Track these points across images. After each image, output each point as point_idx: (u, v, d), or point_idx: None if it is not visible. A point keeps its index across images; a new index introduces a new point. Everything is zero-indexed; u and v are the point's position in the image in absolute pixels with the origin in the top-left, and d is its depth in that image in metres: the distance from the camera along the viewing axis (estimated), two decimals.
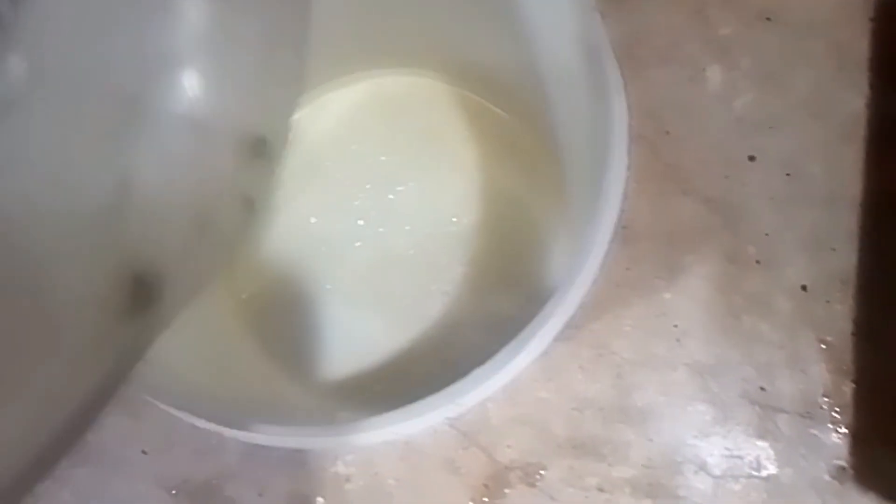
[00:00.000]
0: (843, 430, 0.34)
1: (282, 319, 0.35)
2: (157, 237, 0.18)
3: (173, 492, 0.34)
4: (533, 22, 0.28)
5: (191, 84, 0.18)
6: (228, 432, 0.24)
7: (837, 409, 0.34)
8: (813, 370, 0.34)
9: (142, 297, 0.18)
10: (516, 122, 0.35)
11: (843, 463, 0.34)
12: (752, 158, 0.36)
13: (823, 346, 0.34)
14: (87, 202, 0.17)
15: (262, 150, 0.20)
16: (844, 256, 0.35)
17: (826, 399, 0.34)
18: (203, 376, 0.28)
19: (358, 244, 0.35)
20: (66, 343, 0.18)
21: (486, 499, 0.33)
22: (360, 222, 0.35)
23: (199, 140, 0.19)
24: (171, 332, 0.29)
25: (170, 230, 0.19)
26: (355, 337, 0.35)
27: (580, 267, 0.24)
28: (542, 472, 0.34)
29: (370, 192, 0.35)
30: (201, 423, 0.24)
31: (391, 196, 0.35)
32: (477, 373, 0.24)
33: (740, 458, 0.34)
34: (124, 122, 0.17)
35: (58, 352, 0.18)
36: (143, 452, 0.34)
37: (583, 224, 0.28)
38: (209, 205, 0.20)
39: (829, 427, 0.34)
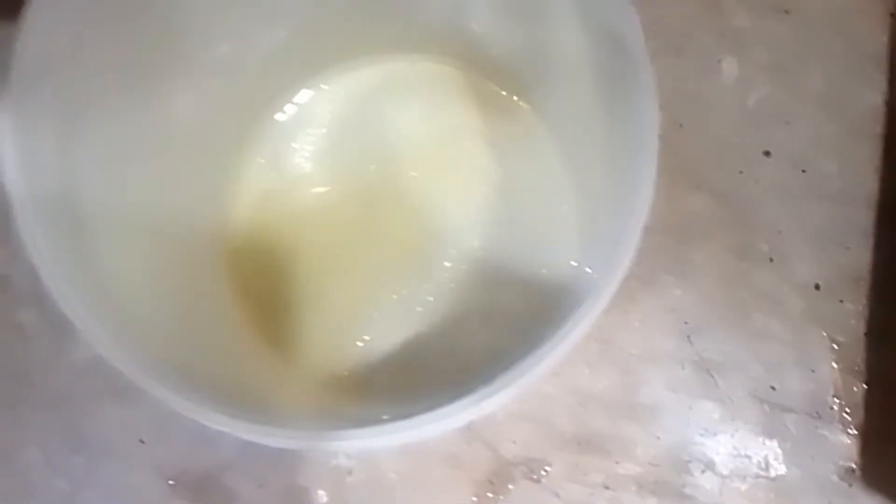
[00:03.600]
0: (853, 430, 0.33)
1: (282, 307, 0.34)
2: None
3: (171, 482, 0.33)
4: (558, 10, 0.27)
5: None
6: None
7: (847, 410, 0.33)
8: (823, 370, 0.34)
9: None
10: (533, 113, 0.34)
11: (851, 464, 0.33)
12: (766, 154, 0.35)
13: (835, 346, 0.34)
14: None
15: None
16: (858, 255, 0.34)
17: (836, 399, 0.34)
18: (202, 368, 0.27)
19: (362, 230, 0.34)
20: None
21: (489, 494, 0.33)
22: (366, 208, 0.34)
23: None
24: (170, 321, 0.28)
25: None
26: (357, 326, 0.34)
27: (614, 269, 0.23)
28: (546, 468, 0.33)
29: (376, 175, 0.34)
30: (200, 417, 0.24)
31: (398, 182, 0.34)
32: (503, 378, 0.23)
33: (748, 457, 0.33)
34: None
35: None
36: (141, 441, 0.34)
37: (605, 221, 0.27)
38: None
39: (838, 427, 0.33)
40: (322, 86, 0.36)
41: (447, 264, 0.35)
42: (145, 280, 0.28)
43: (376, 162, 0.35)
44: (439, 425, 0.24)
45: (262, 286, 0.34)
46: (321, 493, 0.33)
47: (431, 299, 0.34)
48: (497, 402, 0.24)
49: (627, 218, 0.25)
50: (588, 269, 0.32)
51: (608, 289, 0.25)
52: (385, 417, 0.25)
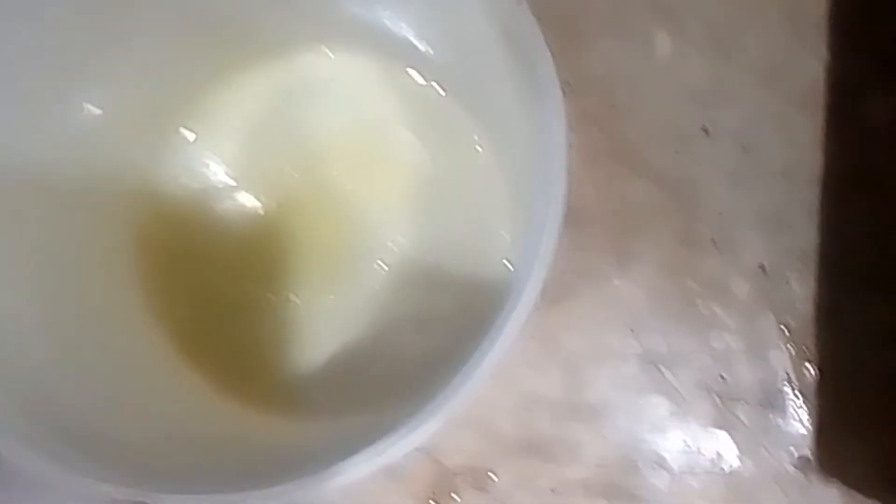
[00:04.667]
0: (807, 417, 0.32)
1: (206, 325, 0.32)
2: None
3: None
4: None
5: None
6: None
7: (800, 396, 0.32)
8: (773, 356, 0.32)
9: None
10: (456, 103, 0.32)
11: (806, 453, 0.32)
12: (705, 132, 0.33)
13: (784, 330, 0.33)
14: None
15: None
16: (803, 234, 0.33)
17: (788, 386, 0.32)
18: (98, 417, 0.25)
19: (287, 237, 0.33)
20: None
21: None
22: (289, 213, 0.32)
23: None
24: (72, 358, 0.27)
25: None
26: (289, 338, 0.32)
27: (537, 265, 0.22)
28: (491, 475, 0.32)
29: (297, 177, 0.33)
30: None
31: (321, 183, 0.33)
32: (441, 396, 0.22)
33: (699, 452, 0.32)
34: None
35: None
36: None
37: (531, 216, 0.26)
38: None
39: (791, 415, 0.32)
40: (242, 83, 0.34)
41: (378, 266, 0.33)
42: (36, 311, 0.26)
43: (296, 162, 0.33)
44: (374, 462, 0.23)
45: (180, 298, 0.32)
46: None
47: (363, 305, 0.33)
48: (436, 425, 0.23)
49: (546, 211, 0.24)
50: (516, 268, 0.31)
51: (532, 287, 0.23)
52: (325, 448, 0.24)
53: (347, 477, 0.23)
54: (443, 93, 0.33)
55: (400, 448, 0.22)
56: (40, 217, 0.28)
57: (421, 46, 0.31)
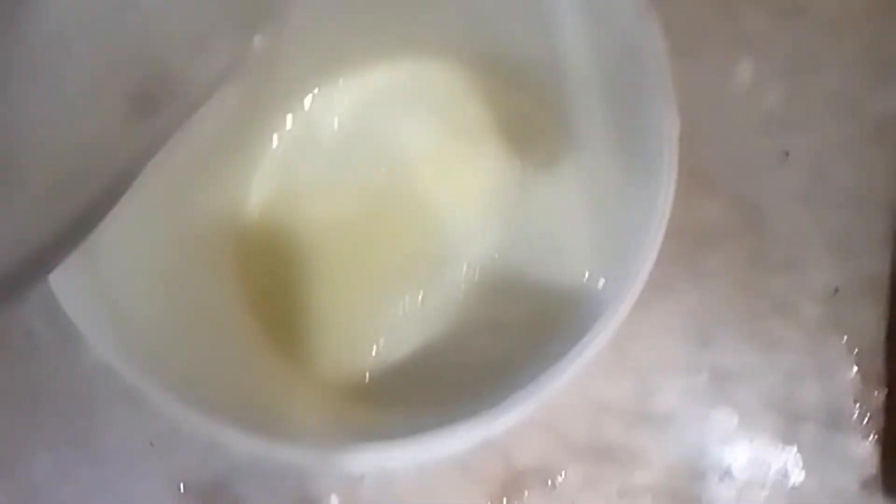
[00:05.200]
0: (873, 438, 0.33)
1: (292, 314, 0.34)
2: (163, 45, 0.20)
3: (181, 488, 0.33)
4: (572, 13, 0.27)
5: None
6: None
7: (867, 418, 0.33)
8: (841, 377, 0.33)
9: (149, 101, 0.20)
10: (548, 118, 0.34)
11: (871, 474, 0.32)
12: (780, 158, 0.35)
13: (853, 353, 0.33)
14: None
15: None
16: (875, 260, 0.34)
17: (856, 406, 0.33)
18: (211, 377, 0.27)
19: (373, 237, 0.34)
20: (83, 132, 0.19)
21: (504, 502, 0.32)
22: (377, 214, 0.34)
23: None
24: (178, 328, 0.28)
25: (172, 39, 0.20)
26: (368, 335, 0.34)
27: (633, 279, 0.23)
28: (560, 476, 0.33)
29: (386, 180, 0.34)
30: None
31: (409, 188, 0.34)
32: (519, 393, 0.23)
33: (765, 465, 0.33)
34: None
35: (75, 139, 0.18)
36: (151, 446, 0.33)
37: (620, 230, 0.27)
38: (209, 24, 0.21)
39: (858, 436, 0.33)
40: (331, 89, 0.35)
41: (459, 272, 0.34)
42: (153, 285, 0.28)
43: (387, 167, 0.35)
44: (457, 441, 0.23)
45: (272, 293, 0.34)
46: (333, 498, 0.33)
47: (442, 307, 0.34)
48: (515, 418, 0.24)
49: (646, 227, 0.25)
50: (602, 281, 0.32)
51: (628, 299, 0.24)
52: (400, 430, 0.25)
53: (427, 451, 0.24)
54: (536, 107, 0.34)
55: (503, 422, 0.22)
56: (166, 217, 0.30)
57: (519, 61, 0.33)
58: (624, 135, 0.27)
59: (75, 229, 0.19)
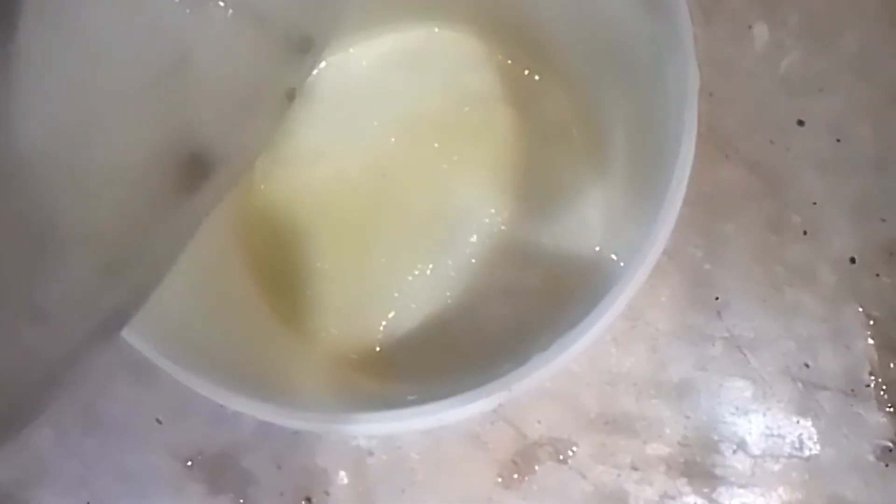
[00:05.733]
0: (890, 408, 0.32)
1: (300, 284, 0.33)
2: (209, 117, 0.20)
3: (188, 463, 0.32)
4: None
5: None
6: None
7: (884, 387, 0.32)
8: (858, 346, 0.33)
9: (195, 174, 0.20)
10: (559, 84, 0.33)
11: (888, 443, 0.32)
12: (799, 122, 0.34)
13: (870, 321, 0.33)
14: (147, 69, 0.18)
15: (307, 47, 0.22)
16: (894, 226, 0.33)
17: (872, 376, 0.32)
18: (219, 345, 0.26)
19: (381, 204, 0.33)
20: (130, 210, 0.19)
21: (515, 475, 0.32)
22: (386, 181, 0.33)
23: (254, 28, 0.20)
24: (183, 294, 0.27)
25: (221, 111, 0.20)
26: (378, 303, 0.33)
27: (651, 244, 0.22)
28: (573, 448, 0.32)
29: (395, 147, 0.33)
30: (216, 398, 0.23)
31: (419, 154, 0.33)
32: (531, 362, 0.22)
33: (781, 437, 0.32)
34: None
35: (122, 215, 0.19)
36: (157, 421, 0.33)
37: (634, 196, 0.26)
38: (257, 91, 0.21)
39: (874, 405, 0.32)
40: (337, 56, 0.34)
41: (470, 239, 0.33)
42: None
43: (396, 133, 0.34)
44: (469, 408, 0.23)
45: (279, 262, 0.33)
46: (342, 474, 0.32)
47: (454, 275, 0.33)
48: (529, 385, 0.23)
49: (663, 193, 0.24)
50: (617, 248, 0.31)
51: (645, 267, 0.24)
52: (411, 398, 0.24)
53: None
54: (546, 72, 0.33)
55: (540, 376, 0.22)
56: None
57: (528, 25, 0.32)
58: (638, 99, 0.26)
59: (129, 304, 0.20)
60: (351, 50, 0.35)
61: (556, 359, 0.23)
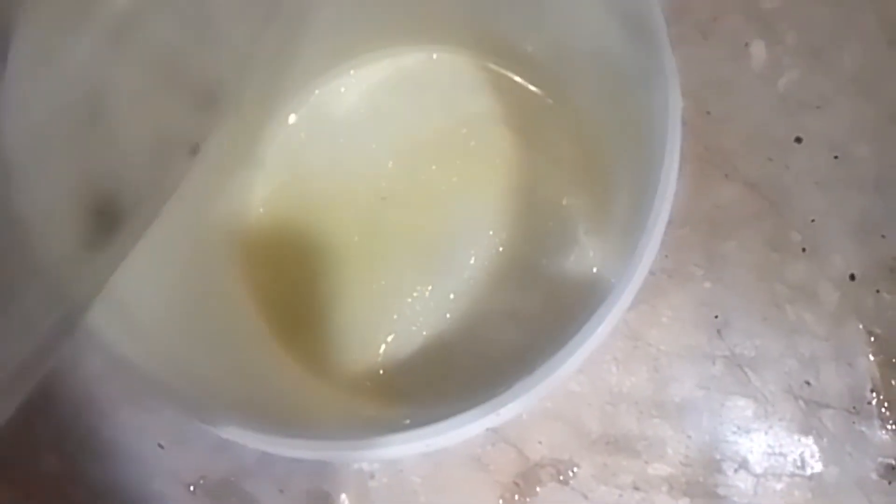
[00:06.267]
0: (893, 426, 0.32)
1: (300, 307, 0.33)
2: (118, 168, 0.20)
3: (191, 488, 0.33)
4: None
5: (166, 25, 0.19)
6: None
7: (886, 405, 0.32)
8: (860, 363, 0.33)
9: (103, 226, 0.20)
10: (547, 103, 0.33)
11: (891, 461, 0.32)
12: (798, 140, 0.34)
13: (872, 338, 0.33)
14: (64, 111, 0.18)
15: (209, 104, 0.22)
16: (895, 244, 0.33)
17: (874, 394, 0.32)
18: (218, 372, 0.26)
19: (381, 227, 0.33)
20: (39, 267, 0.19)
21: (516, 496, 0.32)
22: (385, 204, 0.33)
23: (161, 77, 0.20)
24: (184, 323, 0.28)
25: (129, 163, 0.20)
26: (378, 326, 0.33)
27: (636, 265, 0.22)
28: (574, 469, 0.32)
29: (394, 170, 0.33)
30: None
31: (418, 177, 0.33)
32: (524, 382, 0.22)
33: (783, 455, 0.32)
34: (109, 39, 0.19)
35: (31, 275, 0.18)
36: (160, 447, 0.33)
37: (627, 216, 0.26)
38: (161, 144, 0.21)
39: (877, 423, 0.32)
40: (338, 79, 0.35)
41: (469, 261, 0.34)
42: (158, 280, 0.27)
43: (394, 156, 0.34)
44: (462, 431, 0.23)
45: (279, 285, 0.33)
46: (343, 497, 0.32)
47: (453, 297, 0.33)
48: (518, 408, 0.23)
49: (647, 215, 0.24)
50: (612, 277, 0.31)
51: (628, 290, 0.23)
52: (407, 422, 0.24)
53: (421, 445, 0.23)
54: (541, 94, 0.33)
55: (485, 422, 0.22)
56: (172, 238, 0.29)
57: (524, 47, 0.32)
58: (631, 123, 0.26)
59: (44, 349, 0.19)
60: (351, 73, 0.35)
61: (540, 383, 0.22)
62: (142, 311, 0.25)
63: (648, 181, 0.23)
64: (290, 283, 0.34)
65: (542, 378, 0.23)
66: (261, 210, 0.34)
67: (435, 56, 0.34)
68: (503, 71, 0.33)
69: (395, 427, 0.23)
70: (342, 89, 0.34)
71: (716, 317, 0.33)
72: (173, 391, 0.23)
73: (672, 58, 0.22)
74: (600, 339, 0.23)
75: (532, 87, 0.33)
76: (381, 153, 0.34)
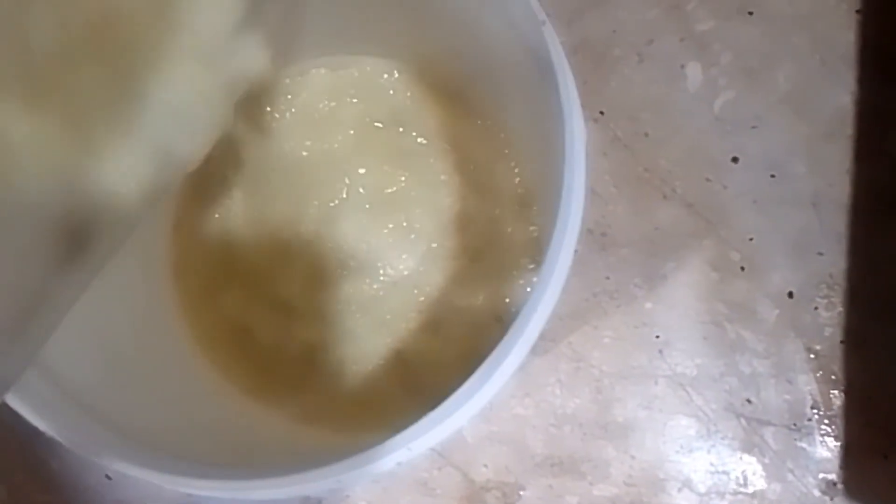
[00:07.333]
0: (833, 441, 0.32)
1: (237, 346, 0.33)
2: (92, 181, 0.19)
3: None
4: (480, 22, 0.26)
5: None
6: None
7: (826, 421, 0.33)
8: (800, 380, 0.33)
9: (80, 237, 0.20)
10: (479, 122, 0.33)
11: (832, 477, 0.32)
12: (734, 160, 0.34)
13: (811, 355, 0.33)
14: None
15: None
16: (832, 260, 0.34)
17: (814, 410, 0.33)
18: (144, 412, 0.26)
19: (314, 240, 0.33)
20: (9, 285, 0.18)
21: None
22: (295, 239, 0.33)
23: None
24: (125, 384, 0.28)
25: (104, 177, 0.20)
26: (315, 352, 0.33)
27: (544, 286, 0.22)
28: (521, 491, 0.33)
29: (331, 184, 0.34)
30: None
31: (350, 188, 0.33)
32: (451, 401, 0.22)
33: (726, 473, 0.32)
34: None
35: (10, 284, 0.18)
36: (108, 478, 0.33)
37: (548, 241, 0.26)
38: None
39: (818, 439, 0.33)
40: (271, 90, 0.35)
41: (400, 278, 0.33)
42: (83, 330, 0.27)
43: (318, 199, 0.34)
44: (387, 462, 0.23)
45: (217, 327, 0.33)
46: None
47: (379, 324, 0.33)
48: (425, 446, 0.23)
49: (558, 238, 0.24)
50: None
51: (535, 319, 0.23)
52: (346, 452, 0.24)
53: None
54: (476, 118, 0.34)
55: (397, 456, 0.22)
56: None
57: (442, 62, 0.32)
58: (545, 146, 0.26)
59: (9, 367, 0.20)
60: (287, 81, 0.35)
61: (469, 401, 0.22)
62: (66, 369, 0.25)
63: (557, 215, 0.23)
64: (223, 316, 0.34)
65: (437, 422, 0.23)
66: (194, 246, 0.34)
67: (373, 68, 0.34)
68: (439, 88, 0.33)
69: (307, 464, 0.24)
70: (283, 96, 0.34)
71: (657, 337, 0.33)
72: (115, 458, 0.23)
73: (573, 89, 0.22)
74: (517, 360, 0.23)
75: (465, 109, 0.33)
76: (304, 198, 0.34)
